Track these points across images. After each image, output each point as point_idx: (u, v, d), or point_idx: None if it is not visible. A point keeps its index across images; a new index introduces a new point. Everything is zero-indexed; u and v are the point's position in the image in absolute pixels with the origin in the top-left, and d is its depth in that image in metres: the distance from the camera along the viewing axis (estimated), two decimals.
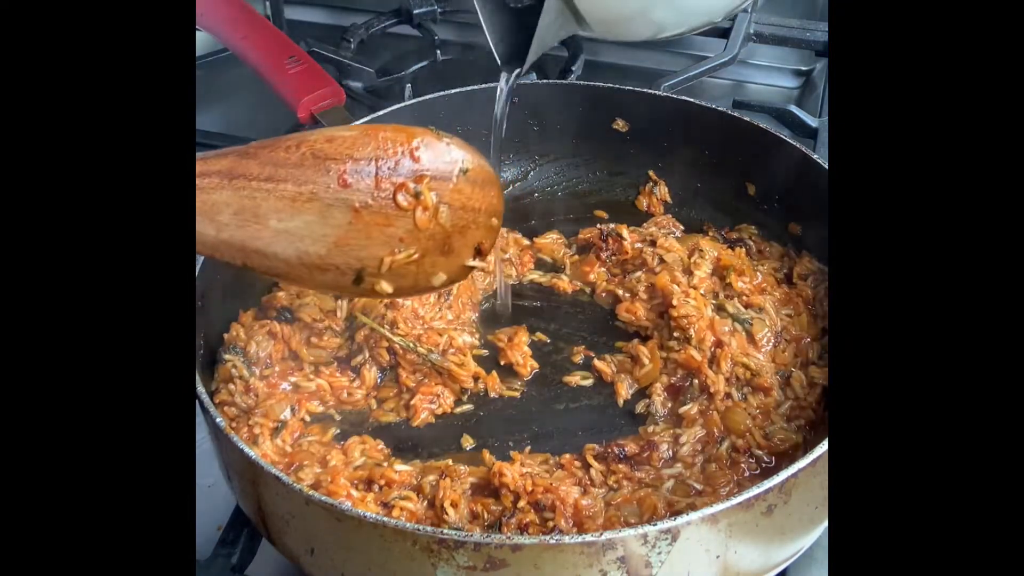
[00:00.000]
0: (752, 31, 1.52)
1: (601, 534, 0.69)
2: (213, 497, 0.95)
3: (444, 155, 0.87)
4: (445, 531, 0.70)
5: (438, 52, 1.57)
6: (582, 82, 1.26)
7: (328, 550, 0.77)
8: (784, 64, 1.59)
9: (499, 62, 1.00)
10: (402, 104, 1.18)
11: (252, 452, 0.78)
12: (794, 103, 1.43)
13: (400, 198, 0.85)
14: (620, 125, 1.20)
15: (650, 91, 1.20)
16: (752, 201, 1.14)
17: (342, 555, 0.77)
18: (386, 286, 0.88)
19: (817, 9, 1.67)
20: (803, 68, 1.59)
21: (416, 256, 0.87)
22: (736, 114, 1.14)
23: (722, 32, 1.52)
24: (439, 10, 1.59)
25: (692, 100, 1.16)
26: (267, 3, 1.64)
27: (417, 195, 0.85)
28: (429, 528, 0.71)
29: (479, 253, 0.92)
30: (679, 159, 1.19)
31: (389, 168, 0.84)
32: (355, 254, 0.85)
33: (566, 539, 0.69)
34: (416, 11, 1.58)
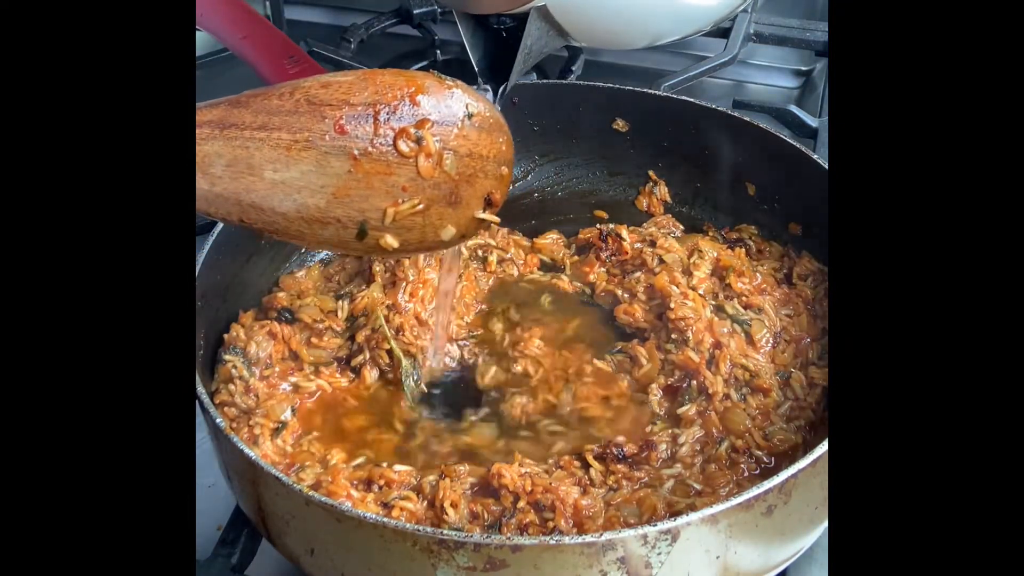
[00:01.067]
0: (752, 31, 1.52)
1: (601, 535, 0.69)
2: (213, 497, 0.95)
3: (447, 99, 0.83)
4: (445, 532, 0.70)
5: (438, 52, 1.57)
6: (582, 82, 1.26)
7: (328, 550, 0.77)
8: (784, 64, 1.59)
9: (480, 80, 0.99)
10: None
11: (252, 453, 0.78)
12: (794, 103, 1.43)
13: (401, 144, 0.80)
14: (620, 125, 1.20)
15: (650, 91, 1.20)
16: (752, 201, 1.14)
17: (342, 555, 0.77)
18: (391, 240, 0.83)
19: (817, 9, 1.67)
20: (803, 68, 1.58)
21: (421, 206, 0.83)
22: (736, 114, 1.14)
23: (722, 32, 1.52)
24: (439, 10, 1.59)
25: (692, 100, 1.16)
26: (267, 3, 1.64)
27: (419, 141, 0.81)
28: (429, 529, 0.71)
29: (489, 204, 0.88)
30: (679, 159, 1.19)
31: (388, 113, 0.80)
32: (356, 205, 0.80)
33: (566, 540, 0.69)
34: (416, 11, 1.58)
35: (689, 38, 1.48)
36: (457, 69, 1.53)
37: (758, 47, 1.54)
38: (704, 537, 0.72)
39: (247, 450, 0.78)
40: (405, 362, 0.98)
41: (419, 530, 0.70)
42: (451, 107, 0.84)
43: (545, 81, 1.34)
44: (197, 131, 0.74)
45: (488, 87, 1.01)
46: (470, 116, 0.85)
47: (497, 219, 0.90)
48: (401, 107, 0.81)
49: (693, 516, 0.70)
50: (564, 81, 1.32)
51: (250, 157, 0.76)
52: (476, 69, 0.99)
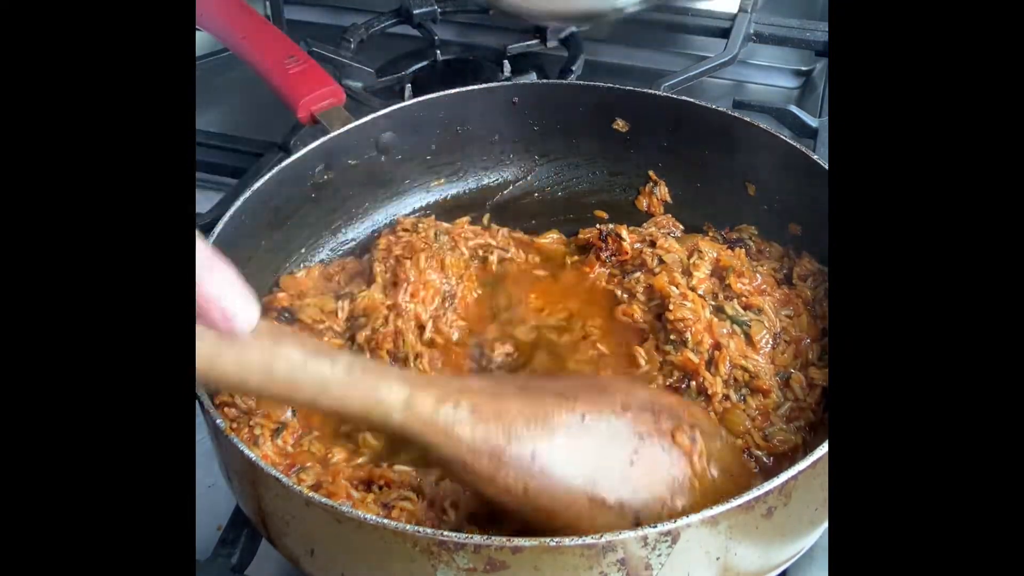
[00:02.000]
0: (752, 31, 1.52)
1: (601, 536, 0.69)
2: (213, 497, 0.95)
3: (705, 416, 0.86)
4: (445, 533, 0.70)
5: (438, 52, 1.57)
6: (582, 82, 1.26)
7: (328, 551, 0.77)
8: (784, 64, 1.59)
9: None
10: (402, 104, 1.18)
11: (252, 453, 0.78)
12: (794, 103, 1.43)
13: (679, 436, 0.79)
14: (620, 125, 1.20)
15: (650, 91, 1.20)
16: (752, 201, 1.14)
17: (342, 556, 0.77)
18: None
19: (817, 9, 1.67)
20: (803, 68, 1.58)
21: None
22: (736, 114, 1.13)
23: (722, 32, 1.53)
24: (439, 10, 1.59)
25: (692, 100, 1.16)
26: (267, 3, 1.64)
27: (693, 440, 0.79)
28: (429, 530, 0.71)
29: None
30: (679, 159, 1.19)
31: (661, 406, 0.80)
32: (640, 492, 0.75)
33: (566, 541, 0.69)
34: (416, 11, 1.58)
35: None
36: (457, 69, 1.55)
37: (758, 47, 1.54)
38: (704, 538, 0.72)
39: (247, 451, 0.78)
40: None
41: (419, 531, 0.70)
42: (710, 422, 0.86)
43: (545, 81, 1.34)
44: None
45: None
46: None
47: None
48: (671, 407, 0.82)
49: (693, 517, 0.70)
50: (564, 81, 1.32)
51: (548, 415, 0.75)
52: None
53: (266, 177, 1.05)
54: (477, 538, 0.69)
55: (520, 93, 1.21)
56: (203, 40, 1.60)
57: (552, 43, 1.52)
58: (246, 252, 1.05)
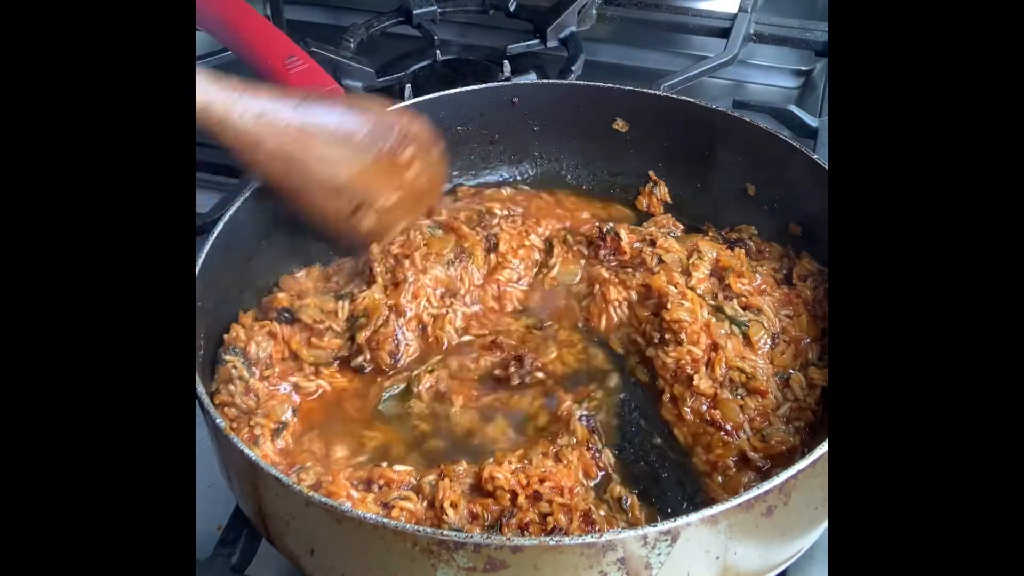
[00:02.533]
0: (752, 31, 1.52)
1: (601, 535, 0.69)
2: (213, 497, 0.95)
3: (429, 136, 1.09)
4: (445, 532, 0.70)
5: (438, 52, 1.57)
6: (582, 82, 1.26)
7: (328, 551, 0.77)
8: (784, 64, 1.59)
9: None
10: (402, 104, 1.18)
11: (252, 453, 0.78)
12: (794, 103, 1.43)
13: (404, 155, 1.05)
14: (620, 125, 1.20)
15: (650, 91, 1.20)
16: (752, 201, 1.14)
17: (342, 556, 0.77)
18: (368, 221, 1.06)
19: (817, 9, 1.67)
20: (803, 68, 1.58)
21: (396, 202, 1.07)
22: (736, 114, 1.14)
23: (722, 32, 1.53)
24: (439, 10, 1.59)
25: (692, 100, 1.16)
26: (267, 3, 1.64)
27: (412, 158, 1.05)
28: (429, 529, 0.71)
29: (428, 215, 1.13)
30: (679, 159, 1.19)
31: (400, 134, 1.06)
32: (364, 189, 1.04)
33: (566, 540, 0.69)
34: (416, 11, 1.58)
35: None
36: (457, 69, 1.55)
37: (758, 47, 1.54)
38: (704, 538, 0.72)
39: (247, 450, 0.78)
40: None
41: (419, 531, 0.70)
42: (431, 141, 1.10)
43: (545, 81, 1.34)
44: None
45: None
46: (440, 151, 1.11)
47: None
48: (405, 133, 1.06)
49: (693, 517, 0.70)
50: (564, 81, 1.32)
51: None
52: None
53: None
54: (477, 537, 0.69)
55: (520, 93, 1.21)
56: (203, 40, 1.60)
57: (552, 43, 1.52)
58: (246, 252, 1.05)
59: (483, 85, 1.22)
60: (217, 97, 0.94)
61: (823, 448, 0.75)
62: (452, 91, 1.20)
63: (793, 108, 1.36)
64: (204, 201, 1.23)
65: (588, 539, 0.69)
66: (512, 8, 1.58)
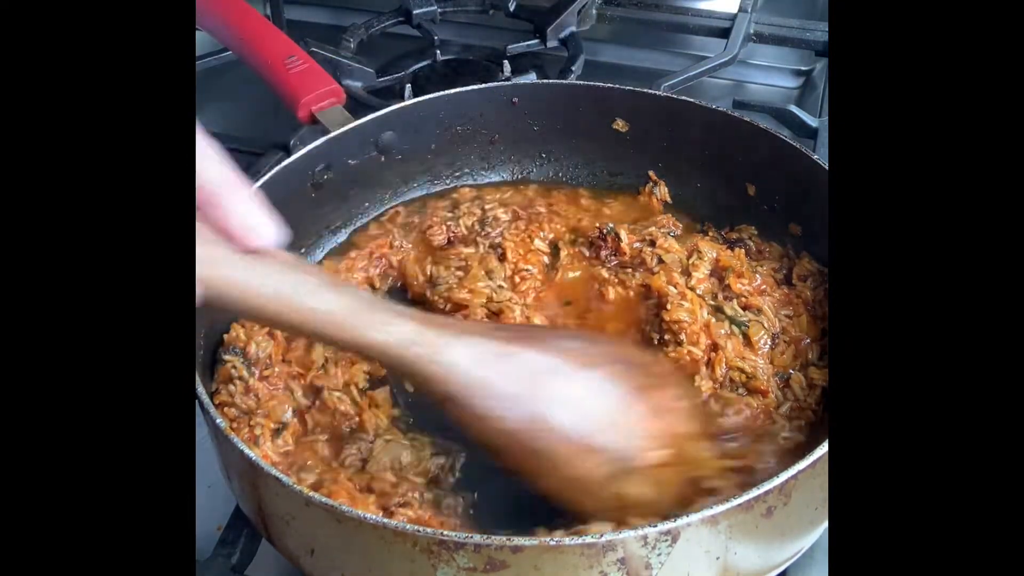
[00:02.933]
0: (752, 31, 1.52)
1: (601, 535, 0.69)
2: (213, 497, 0.95)
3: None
4: (445, 532, 0.70)
5: (438, 52, 1.57)
6: (582, 82, 1.26)
7: (328, 551, 0.77)
8: (784, 64, 1.59)
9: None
10: (402, 104, 1.18)
11: (252, 453, 0.78)
12: (794, 103, 1.43)
13: (659, 394, 0.87)
14: (620, 125, 1.20)
15: (650, 91, 1.20)
16: (752, 201, 1.14)
17: (342, 556, 0.77)
18: (635, 486, 0.79)
19: (817, 9, 1.67)
20: (803, 68, 1.58)
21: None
22: (736, 114, 1.13)
23: (722, 32, 1.53)
24: (439, 10, 1.59)
25: (692, 100, 1.16)
26: (267, 3, 1.64)
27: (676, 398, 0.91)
28: (429, 530, 0.71)
29: None
30: (679, 159, 1.19)
31: (643, 364, 0.90)
32: (623, 440, 0.79)
33: (566, 541, 0.69)
34: (416, 11, 1.58)
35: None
36: (457, 69, 1.55)
37: (758, 47, 1.54)
38: (704, 538, 0.72)
39: (247, 451, 0.78)
40: None
41: (419, 531, 0.70)
42: None
43: (545, 81, 1.34)
44: None
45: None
46: None
47: None
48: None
49: (693, 517, 0.70)
50: (564, 81, 1.32)
51: None
52: None
53: (266, 177, 1.05)
54: (477, 537, 0.69)
55: (520, 93, 1.21)
56: (203, 40, 1.60)
57: (552, 43, 1.52)
58: None
59: (483, 85, 1.22)
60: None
61: (823, 448, 0.75)
62: (452, 91, 1.20)
63: (793, 108, 1.36)
64: None
65: (588, 539, 0.69)
66: (512, 8, 1.58)
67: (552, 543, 0.69)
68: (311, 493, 0.74)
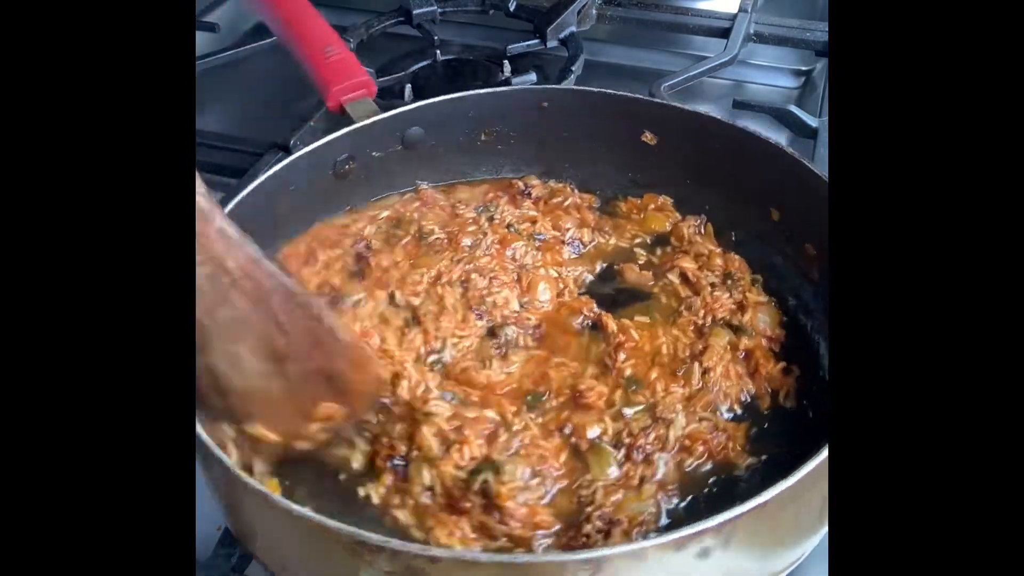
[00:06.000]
0: (752, 31, 1.52)
1: (519, 556, 0.69)
2: (213, 497, 0.95)
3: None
4: (367, 534, 0.68)
5: (438, 52, 1.57)
6: (611, 91, 1.19)
7: (268, 538, 0.78)
8: (784, 64, 1.59)
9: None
10: (430, 100, 1.17)
11: (203, 434, 0.77)
12: (794, 103, 1.43)
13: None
14: (649, 138, 1.17)
15: (679, 106, 1.15)
16: (776, 227, 1.10)
17: (279, 545, 0.77)
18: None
19: (817, 9, 1.67)
20: (803, 68, 1.58)
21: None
22: (765, 136, 1.08)
23: (722, 32, 1.53)
24: (439, 10, 1.59)
25: (721, 119, 1.11)
26: None
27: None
28: (352, 528, 0.69)
29: None
30: (706, 177, 1.15)
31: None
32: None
33: (482, 557, 0.68)
34: (416, 11, 1.58)
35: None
36: (457, 69, 1.55)
37: (758, 47, 1.54)
38: (630, 572, 0.68)
39: (203, 434, 0.77)
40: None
41: (341, 529, 0.69)
42: None
43: (576, 88, 1.26)
44: None
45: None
46: None
47: None
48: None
49: (617, 549, 0.68)
50: (594, 89, 1.22)
51: None
52: None
53: (286, 161, 1.06)
54: (395, 543, 0.68)
55: (550, 98, 1.18)
56: (203, 40, 1.60)
57: (552, 43, 1.52)
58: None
59: (513, 87, 1.20)
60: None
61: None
62: (483, 91, 1.18)
63: (793, 108, 1.36)
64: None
65: (505, 558, 0.68)
66: (512, 8, 1.58)
67: (468, 557, 0.68)
68: (247, 479, 0.73)
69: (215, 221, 0.74)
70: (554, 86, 1.19)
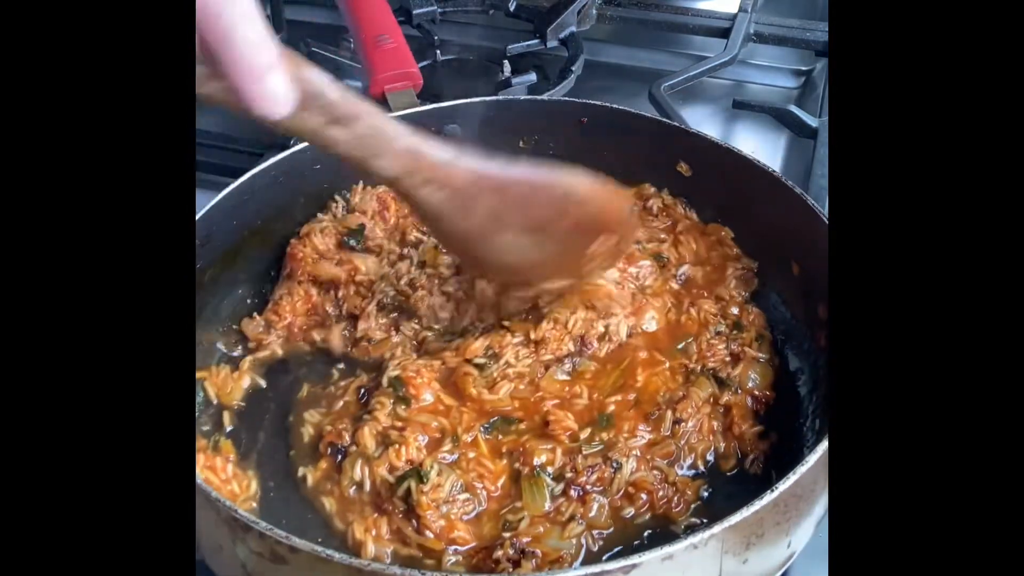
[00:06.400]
0: (752, 31, 1.52)
1: (368, 563, 0.68)
2: None
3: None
4: (241, 512, 0.70)
5: (438, 52, 1.57)
6: (650, 115, 1.18)
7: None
8: (784, 64, 1.59)
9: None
10: (472, 100, 1.17)
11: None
12: (794, 103, 1.43)
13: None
14: (684, 169, 1.14)
15: (713, 139, 1.12)
16: (795, 281, 1.05)
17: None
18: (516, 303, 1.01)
19: (817, 9, 1.67)
20: (803, 68, 1.59)
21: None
22: (790, 184, 1.03)
23: (722, 32, 1.53)
24: (439, 10, 1.59)
25: (754, 160, 1.06)
26: (267, 3, 1.64)
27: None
28: (230, 504, 0.71)
29: None
30: (735, 218, 1.12)
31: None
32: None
33: (335, 556, 0.67)
34: (416, 11, 1.58)
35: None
36: (457, 69, 1.55)
37: (758, 47, 1.54)
38: None
39: None
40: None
41: (220, 502, 0.71)
42: None
43: (616, 107, 1.21)
44: None
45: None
46: None
47: None
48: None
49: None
50: (635, 111, 1.19)
51: None
52: None
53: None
54: (263, 526, 0.69)
55: (590, 113, 1.17)
56: None
57: (552, 43, 1.52)
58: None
59: (556, 98, 1.18)
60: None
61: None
62: (526, 97, 1.20)
63: (793, 108, 1.36)
64: (204, 201, 1.23)
65: (354, 561, 0.67)
66: (512, 8, 1.59)
67: (324, 554, 0.67)
68: None
69: (426, 155, 0.85)
70: (595, 102, 1.16)
